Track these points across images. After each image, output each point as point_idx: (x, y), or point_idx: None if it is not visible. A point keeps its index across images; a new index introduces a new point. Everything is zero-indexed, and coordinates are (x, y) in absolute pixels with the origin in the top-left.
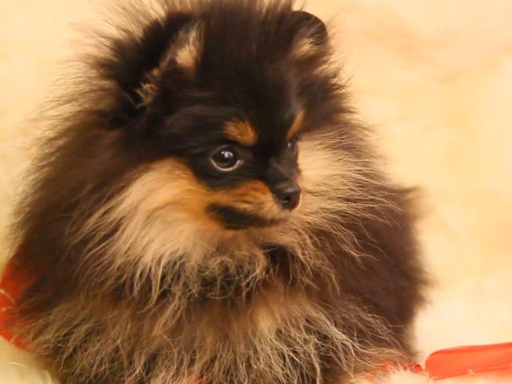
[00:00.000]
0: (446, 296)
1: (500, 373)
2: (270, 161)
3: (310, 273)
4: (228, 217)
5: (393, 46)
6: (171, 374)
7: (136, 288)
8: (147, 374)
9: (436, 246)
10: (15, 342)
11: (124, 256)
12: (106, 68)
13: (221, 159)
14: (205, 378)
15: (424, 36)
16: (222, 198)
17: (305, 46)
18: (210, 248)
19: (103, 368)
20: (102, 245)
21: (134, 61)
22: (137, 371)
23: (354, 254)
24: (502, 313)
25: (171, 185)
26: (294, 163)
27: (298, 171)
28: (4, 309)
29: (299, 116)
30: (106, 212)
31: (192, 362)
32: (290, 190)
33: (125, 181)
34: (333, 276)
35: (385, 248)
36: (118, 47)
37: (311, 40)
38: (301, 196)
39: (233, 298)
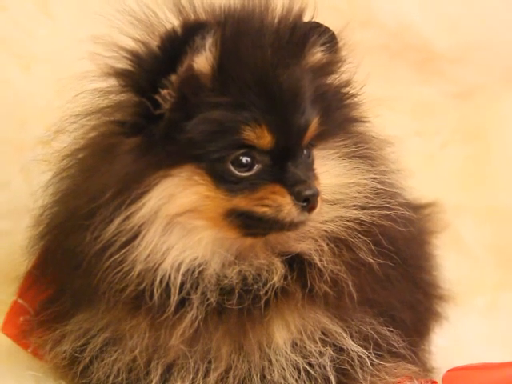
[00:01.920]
0: (461, 312)
1: None
2: (287, 165)
3: (328, 279)
4: (246, 223)
5: (410, 61)
6: (184, 381)
7: (156, 295)
8: None
9: (451, 261)
10: (32, 352)
11: (144, 262)
12: (124, 77)
13: (239, 164)
14: None
15: (441, 51)
16: (241, 202)
17: (317, 54)
18: (229, 256)
19: (120, 378)
20: (123, 251)
21: (151, 68)
22: (153, 382)
23: (371, 260)
24: None
25: (190, 191)
26: (310, 168)
27: (315, 176)
28: (22, 319)
29: (314, 122)
30: (127, 218)
31: (207, 372)
32: (308, 192)
33: (145, 186)
34: (350, 283)
35: (400, 256)
36: (135, 57)
37: (323, 48)
38: (319, 199)
39: (250, 308)
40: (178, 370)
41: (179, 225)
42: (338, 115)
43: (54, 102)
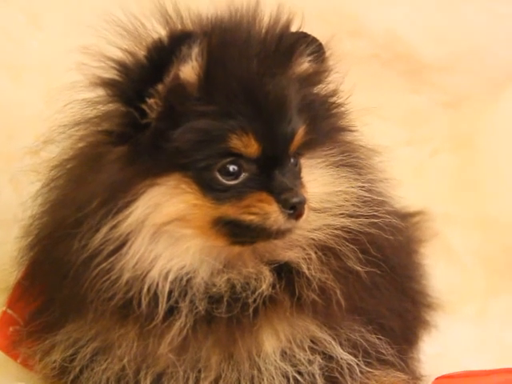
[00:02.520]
0: (450, 320)
1: None
2: (274, 173)
3: (316, 288)
4: (234, 231)
5: (399, 70)
6: None
7: (144, 303)
8: None
9: (440, 270)
10: (22, 363)
11: (131, 270)
12: (111, 87)
13: (226, 172)
14: None
15: (430, 61)
16: (228, 210)
17: (304, 64)
18: (217, 265)
19: None
20: (111, 259)
21: (137, 77)
22: None
23: (359, 268)
24: (506, 337)
25: (177, 199)
26: (297, 176)
27: (302, 184)
28: (11, 329)
29: (300, 130)
30: (114, 227)
31: (197, 381)
32: (295, 200)
33: (132, 195)
34: (338, 291)
35: (388, 264)
36: (122, 67)
37: (310, 58)
38: (306, 207)
39: (239, 316)
40: (167, 380)
41: (166, 233)
42: (325, 124)
43: (43, 113)
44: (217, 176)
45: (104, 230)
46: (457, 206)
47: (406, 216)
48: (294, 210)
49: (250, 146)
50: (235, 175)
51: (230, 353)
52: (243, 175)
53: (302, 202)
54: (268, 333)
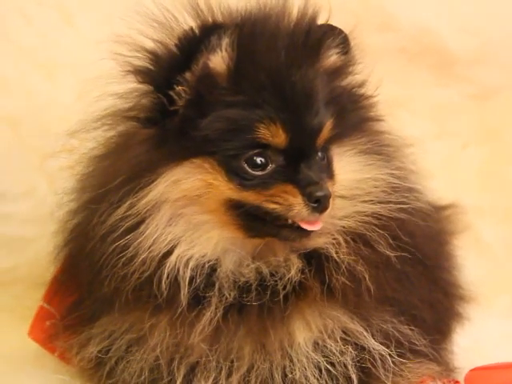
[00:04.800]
0: (483, 312)
1: None
2: (300, 166)
3: (345, 271)
4: (249, 223)
5: (428, 64)
6: (208, 382)
7: (164, 288)
8: None
9: (472, 262)
10: (59, 356)
11: (147, 250)
12: (142, 74)
13: (253, 163)
14: None
15: (459, 54)
16: (251, 196)
17: (332, 57)
18: (244, 254)
19: (143, 378)
20: (127, 237)
21: (167, 65)
22: (177, 383)
23: (390, 253)
24: None
25: (196, 177)
26: (324, 170)
27: (331, 177)
28: (48, 323)
29: (328, 124)
30: (134, 204)
31: (230, 372)
32: (320, 194)
33: (155, 175)
34: (367, 276)
35: (420, 252)
36: (153, 55)
37: (337, 51)
38: (331, 201)
39: (270, 305)
40: (201, 371)
41: (184, 217)
42: (353, 116)
43: (78, 108)
44: (244, 166)
45: (124, 206)
46: (487, 198)
47: (438, 209)
48: (319, 203)
49: (277, 136)
50: (262, 166)
51: (261, 343)
52: (270, 166)
53: (327, 196)
54: (299, 323)
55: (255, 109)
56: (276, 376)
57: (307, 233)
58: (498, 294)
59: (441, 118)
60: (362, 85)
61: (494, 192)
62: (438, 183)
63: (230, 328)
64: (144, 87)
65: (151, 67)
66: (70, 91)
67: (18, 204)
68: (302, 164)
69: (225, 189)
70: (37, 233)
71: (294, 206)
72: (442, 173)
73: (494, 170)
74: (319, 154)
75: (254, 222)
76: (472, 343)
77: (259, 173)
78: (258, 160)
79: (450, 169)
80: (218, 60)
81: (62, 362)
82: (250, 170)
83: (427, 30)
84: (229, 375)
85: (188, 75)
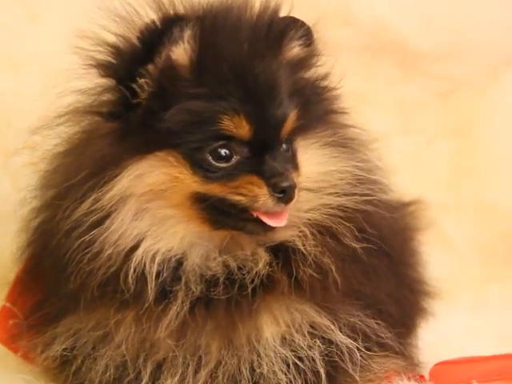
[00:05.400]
0: (447, 308)
1: (503, 381)
2: (265, 157)
3: (312, 263)
4: (214, 216)
5: (391, 59)
6: (176, 380)
7: (130, 283)
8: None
9: (436, 258)
10: (22, 356)
11: (113, 246)
12: (104, 68)
13: (217, 155)
14: None
15: (421, 49)
16: (216, 188)
17: (295, 49)
18: (211, 248)
19: (109, 376)
20: (92, 232)
21: (129, 57)
22: (143, 382)
23: (355, 245)
24: (503, 323)
25: (160, 171)
26: (289, 161)
27: (296, 168)
28: (11, 322)
29: (292, 115)
30: (98, 198)
31: (198, 368)
32: (285, 184)
33: (119, 168)
34: (334, 268)
35: (386, 244)
36: (115, 49)
37: (300, 43)
38: (296, 191)
39: (237, 300)
40: (167, 368)
41: (149, 212)
42: (317, 108)
43: (39, 102)
44: (208, 158)
45: (88, 201)
46: (453, 194)
47: (402, 205)
48: (284, 193)
49: (241, 128)
50: (226, 158)
51: (229, 338)
52: (234, 158)
53: (292, 186)
54: (267, 318)
55: (219, 101)
56: (244, 371)
57: (272, 227)
58: (462, 289)
59: (406, 113)
60: (325, 77)
61: (460, 188)
62: (403, 179)
63: (197, 323)
64: (106, 81)
65: (113, 60)
66: (33, 86)
67: None
68: (267, 155)
69: (190, 182)
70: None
71: (260, 196)
72: (407, 169)
73: (460, 166)
74: (284, 145)
75: (220, 215)
76: (437, 338)
77: (224, 165)
78: (223, 152)
79: (416, 165)
80: (181, 52)
81: (25, 362)
82: (214, 163)
83: (389, 27)
84: (196, 371)
85: (150, 67)
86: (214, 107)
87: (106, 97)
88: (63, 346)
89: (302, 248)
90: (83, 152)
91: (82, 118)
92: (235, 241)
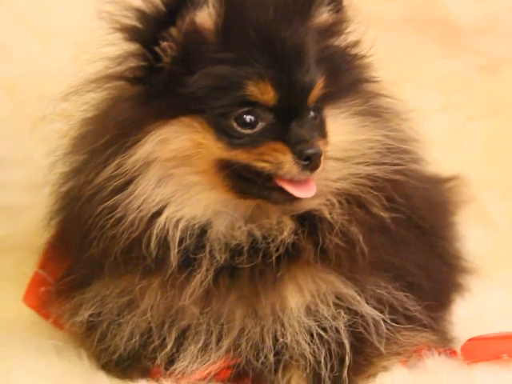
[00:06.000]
0: (485, 284)
1: None
2: (290, 124)
3: (338, 232)
4: (239, 184)
5: (434, 35)
6: (199, 347)
7: (153, 248)
8: (177, 350)
9: (476, 235)
10: (53, 322)
11: (136, 211)
12: (129, 31)
13: (242, 122)
14: (231, 355)
15: (466, 25)
16: (241, 155)
17: (323, 15)
18: (236, 217)
19: (134, 342)
20: (116, 197)
21: (153, 20)
22: (168, 348)
23: (384, 214)
24: None
25: (185, 137)
26: (316, 129)
27: (324, 136)
28: (43, 289)
29: (319, 82)
30: (121, 163)
31: (220, 336)
32: (310, 151)
33: (143, 133)
34: (361, 237)
35: (416, 214)
36: (140, 13)
37: (329, 8)
38: (322, 159)
39: (262, 268)
40: (191, 334)
41: (174, 178)
42: (347, 76)
43: (69, 70)
44: (233, 124)
45: (112, 166)
46: (492, 171)
47: (441, 180)
48: (309, 161)
49: (266, 93)
50: (251, 125)
51: (253, 307)
52: (260, 125)
53: (318, 154)
54: (292, 288)
55: (244, 66)
56: (267, 340)
57: (298, 198)
58: (501, 267)
59: (447, 90)
60: (355, 45)
61: (499, 165)
62: (443, 155)
63: (221, 291)
64: (133, 46)
65: (138, 24)
66: (63, 54)
67: (14, 171)
68: (293, 122)
69: (214, 148)
70: (32, 200)
71: (284, 164)
72: (447, 145)
73: (500, 144)
74: (311, 112)
75: (245, 183)
76: (472, 314)
77: (248, 131)
78: (248, 118)
79: (456, 141)
80: (205, 16)
81: (55, 328)
82: (239, 129)
83: (433, 1)
84: (219, 339)
85: (173, 31)
86: (239, 72)
87: (132, 61)
88: (89, 312)
89: (328, 217)
90: (107, 116)
91: (109, 83)
92: (261, 210)
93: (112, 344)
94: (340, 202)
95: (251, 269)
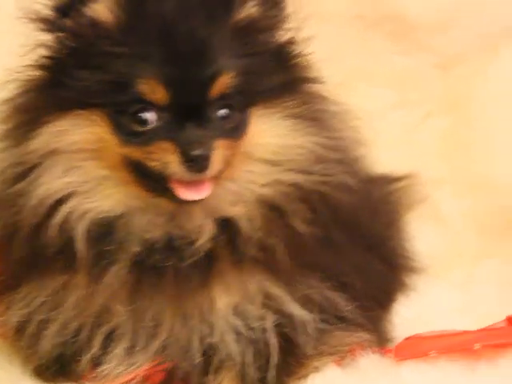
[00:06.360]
0: (433, 284)
1: (463, 353)
2: (185, 123)
3: (255, 244)
4: (142, 178)
5: (387, 31)
6: (125, 349)
7: (54, 237)
8: (104, 353)
9: (430, 234)
10: None
11: (37, 198)
12: (41, 21)
13: (136, 119)
14: (161, 358)
15: (420, 21)
16: (135, 152)
17: (250, 9)
18: (152, 214)
19: (62, 343)
20: (18, 185)
21: (55, 11)
22: (94, 349)
23: (304, 228)
24: (490, 301)
25: (85, 130)
26: (220, 128)
27: (236, 136)
28: None
29: (226, 76)
30: (24, 151)
31: (149, 338)
32: (196, 152)
33: (40, 123)
34: (280, 248)
35: (347, 224)
36: (51, 4)
37: (255, 3)
38: (212, 160)
39: (187, 268)
40: (118, 336)
41: (82, 169)
42: (283, 75)
43: None
44: (128, 121)
45: (14, 152)
46: (447, 168)
47: (390, 181)
48: (195, 162)
49: (157, 93)
50: (145, 123)
51: (181, 309)
52: (153, 123)
53: (204, 155)
54: (219, 288)
55: (138, 62)
56: (194, 341)
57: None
58: (454, 265)
59: (401, 87)
60: (292, 42)
61: (454, 163)
62: (397, 153)
63: (145, 290)
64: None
65: (47, 15)
66: None
67: None
68: (189, 121)
69: (113, 144)
70: None
71: (170, 163)
72: (402, 143)
73: (455, 141)
74: (221, 111)
75: (147, 180)
76: (416, 314)
77: (142, 129)
78: (142, 116)
79: (411, 139)
80: (102, 9)
81: None
82: (133, 126)
83: None
84: (147, 341)
85: (68, 22)
86: (132, 69)
87: (42, 51)
88: (18, 314)
89: (247, 229)
90: (18, 103)
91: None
92: (184, 210)
93: (40, 347)
94: (262, 213)
95: (175, 269)
